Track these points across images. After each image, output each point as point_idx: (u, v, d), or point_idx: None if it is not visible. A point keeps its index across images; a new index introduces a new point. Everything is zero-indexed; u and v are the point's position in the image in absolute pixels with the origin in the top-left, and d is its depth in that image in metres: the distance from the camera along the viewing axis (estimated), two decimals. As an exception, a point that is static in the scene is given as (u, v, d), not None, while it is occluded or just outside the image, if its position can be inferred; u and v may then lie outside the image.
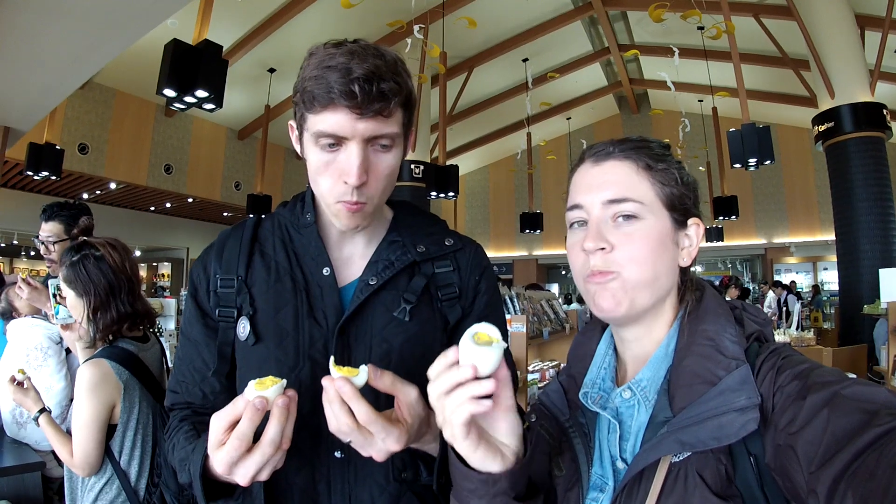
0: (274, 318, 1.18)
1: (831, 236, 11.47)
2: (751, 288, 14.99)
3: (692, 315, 0.93)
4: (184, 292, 16.59)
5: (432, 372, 0.83)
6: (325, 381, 0.90)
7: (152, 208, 16.29)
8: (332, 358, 0.94)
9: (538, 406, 1.07)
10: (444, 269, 1.27)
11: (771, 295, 12.00)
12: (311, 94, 1.03)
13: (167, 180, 13.90)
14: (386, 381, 0.94)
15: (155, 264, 20.65)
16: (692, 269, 1.01)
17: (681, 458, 0.83)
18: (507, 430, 0.85)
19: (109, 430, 2.11)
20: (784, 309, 11.94)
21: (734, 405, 0.78)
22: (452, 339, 1.25)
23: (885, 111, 10.08)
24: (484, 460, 0.83)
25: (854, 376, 0.80)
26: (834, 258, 11.59)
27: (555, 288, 21.09)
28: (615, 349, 1.04)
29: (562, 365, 5.38)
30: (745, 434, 0.77)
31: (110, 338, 2.23)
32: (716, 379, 0.82)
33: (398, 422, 0.94)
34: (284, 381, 0.93)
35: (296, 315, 1.18)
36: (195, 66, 6.50)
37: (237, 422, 0.90)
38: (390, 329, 1.18)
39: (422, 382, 1.11)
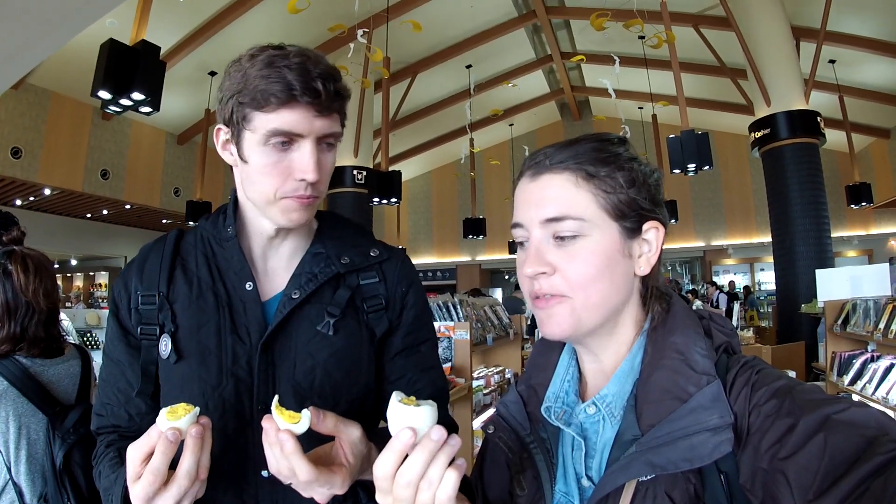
0: (196, 335, 1.15)
1: (767, 238, 11.88)
2: (696, 288, 15.35)
3: (660, 327, 0.89)
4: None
5: (385, 468, 0.77)
6: (265, 424, 0.87)
7: (88, 215, 15.61)
8: (276, 398, 0.91)
9: (496, 417, 1.02)
10: (369, 281, 1.25)
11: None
12: (265, 93, 1.01)
13: (104, 186, 13.37)
14: (329, 424, 0.92)
15: (92, 274, 19.76)
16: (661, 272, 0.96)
17: (649, 476, 0.79)
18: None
19: None
20: (717, 307, 12.32)
21: (706, 424, 0.75)
22: (381, 351, 1.26)
23: (819, 119, 10.53)
24: None
25: (841, 395, 0.77)
26: (770, 259, 12.05)
27: (498, 293, 21.27)
28: (577, 360, 0.99)
29: (507, 371, 5.40)
30: (719, 456, 0.74)
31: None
32: (686, 395, 0.78)
33: (340, 466, 0.92)
34: (198, 408, 0.90)
35: (218, 331, 1.15)
36: (132, 67, 6.35)
37: (153, 452, 0.87)
38: (314, 344, 1.16)
39: (349, 396, 1.20)
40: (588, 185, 0.86)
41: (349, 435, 0.93)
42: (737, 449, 0.75)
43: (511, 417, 0.99)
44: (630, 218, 0.87)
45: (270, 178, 1.07)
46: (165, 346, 1.15)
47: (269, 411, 0.92)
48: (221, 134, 1.13)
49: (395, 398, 0.80)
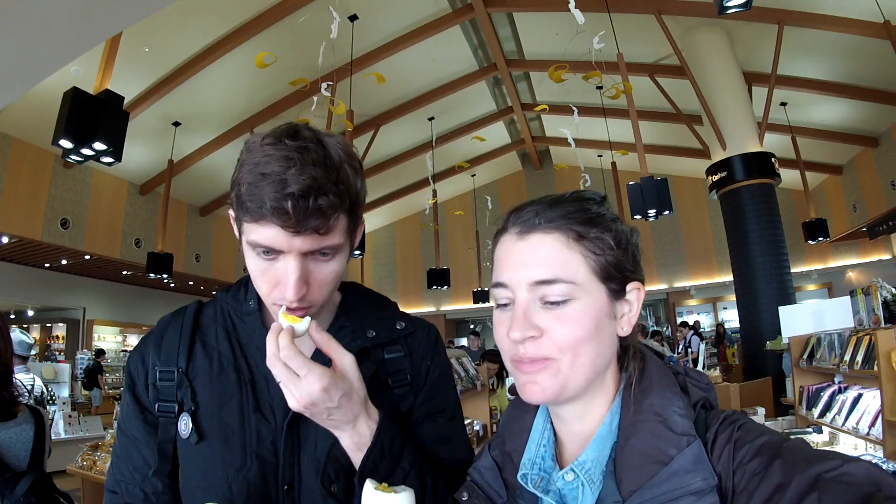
0: (218, 415, 1.09)
1: (729, 278, 12.08)
2: (659, 330, 15.44)
3: (635, 387, 0.86)
4: (80, 355, 15.39)
5: None
6: (273, 326, 0.95)
7: (47, 265, 15.07)
8: (283, 307, 0.98)
9: (470, 483, 0.98)
10: (395, 355, 1.20)
11: None
12: (243, 204, 0.96)
13: (63, 235, 12.94)
14: (323, 337, 0.97)
15: (49, 325, 18.90)
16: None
17: None
18: None
19: None
20: (689, 349, 12.38)
21: (689, 488, 0.73)
22: (403, 427, 1.18)
23: (773, 160, 10.85)
24: None
25: (827, 450, 0.74)
26: (732, 298, 12.26)
27: (464, 342, 21.18)
28: (552, 423, 0.96)
29: (475, 423, 5.34)
30: None
31: None
32: (666, 458, 0.76)
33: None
34: None
35: (241, 410, 1.09)
36: (95, 116, 6.34)
37: None
38: None
39: None
40: (578, 247, 0.84)
41: (341, 357, 0.96)
42: None
43: (486, 485, 0.96)
44: (616, 279, 0.86)
45: (260, 283, 1.03)
46: (185, 425, 1.10)
47: (293, 492, 1.03)
48: (233, 221, 1.07)
49: (371, 486, 0.78)
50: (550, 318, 0.83)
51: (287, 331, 0.93)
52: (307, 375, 0.89)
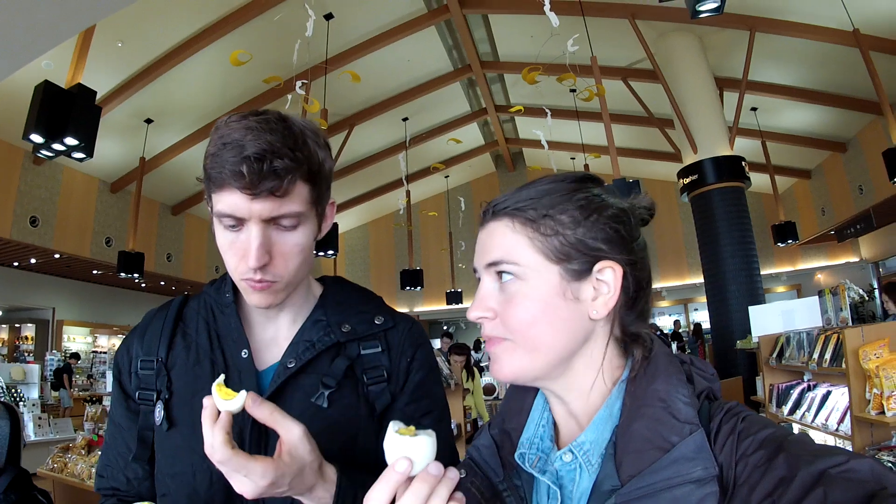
0: (190, 403, 1.10)
1: (699, 279, 12.25)
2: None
3: (640, 373, 0.84)
4: (49, 357, 15.04)
5: (379, 499, 0.72)
6: (205, 401, 0.89)
7: (16, 264, 14.59)
8: (221, 377, 0.91)
9: (468, 461, 0.97)
10: (371, 351, 1.18)
11: None
12: (208, 174, 1.00)
13: (33, 233, 12.53)
14: (264, 412, 0.88)
15: (18, 326, 18.35)
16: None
17: None
18: None
19: None
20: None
21: (690, 476, 0.72)
22: (381, 426, 1.16)
23: (743, 163, 11.03)
24: None
25: (831, 445, 0.73)
26: (702, 299, 12.39)
27: (436, 343, 21.12)
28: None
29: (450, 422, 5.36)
30: None
31: None
32: (668, 445, 0.75)
33: (266, 457, 0.87)
34: None
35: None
36: (66, 110, 6.25)
37: None
38: (308, 416, 1.04)
39: None
40: (525, 230, 0.84)
41: (287, 431, 0.89)
42: (723, 501, 0.71)
43: (483, 462, 0.95)
44: (576, 260, 0.83)
45: (228, 257, 1.05)
46: (159, 412, 1.13)
47: None
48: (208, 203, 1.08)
49: (393, 428, 0.76)
50: (501, 300, 0.85)
51: (222, 422, 0.87)
52: (249, 474, 0.85)
